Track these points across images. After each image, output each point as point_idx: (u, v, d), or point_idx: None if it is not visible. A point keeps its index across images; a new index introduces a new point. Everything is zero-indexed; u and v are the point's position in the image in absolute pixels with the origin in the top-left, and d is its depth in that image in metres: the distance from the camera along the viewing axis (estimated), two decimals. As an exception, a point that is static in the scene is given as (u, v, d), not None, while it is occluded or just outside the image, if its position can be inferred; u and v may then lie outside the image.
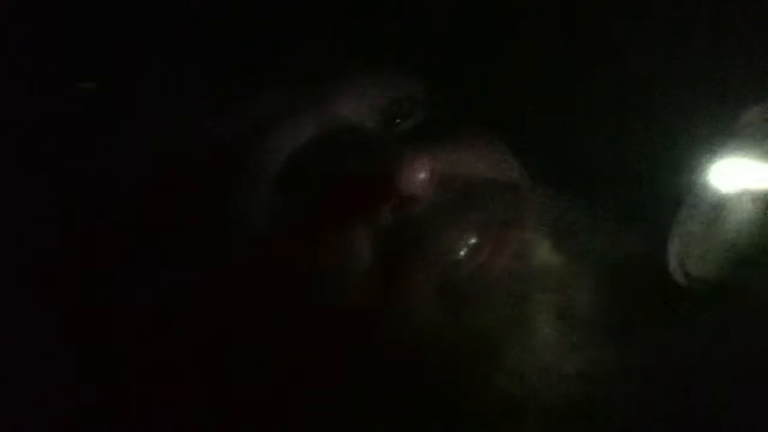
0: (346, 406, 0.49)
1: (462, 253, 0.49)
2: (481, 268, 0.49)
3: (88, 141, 0.57)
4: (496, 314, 0.48)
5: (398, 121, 0.54)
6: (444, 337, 0.49)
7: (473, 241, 0.49)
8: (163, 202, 0.54)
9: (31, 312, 0.56)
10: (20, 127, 0.59)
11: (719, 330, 0.45)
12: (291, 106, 0.53)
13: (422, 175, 0.49)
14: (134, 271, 0.54)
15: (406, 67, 0.56)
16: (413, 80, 0.56)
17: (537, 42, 0.60)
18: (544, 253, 0.51)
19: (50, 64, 0.60)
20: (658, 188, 0.49)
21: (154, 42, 0.58)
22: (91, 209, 0.56)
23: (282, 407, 0.51)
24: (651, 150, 0.53)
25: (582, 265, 0.50)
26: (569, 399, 0.48)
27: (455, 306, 0.49)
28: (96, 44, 0.59)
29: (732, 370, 0.45)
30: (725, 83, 0.46)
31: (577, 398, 0.48)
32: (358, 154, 0.51)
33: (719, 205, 0.45)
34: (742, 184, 0.44)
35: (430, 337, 0.49)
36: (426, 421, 0.48)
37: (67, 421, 0.55)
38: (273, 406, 0.51)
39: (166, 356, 0.53)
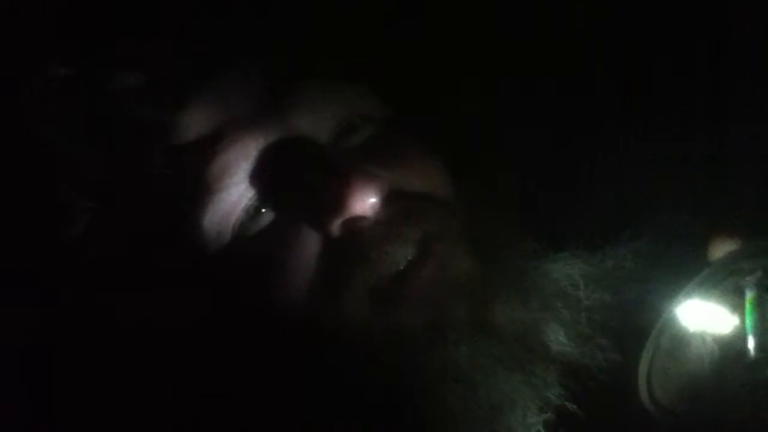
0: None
1: (398, 259, 0.55)
2: (411, 277, 0.55)
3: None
4: (419, 317, 0.54)
5: (349, 136, 0.59)
6: (372, 334, 0.54)
7: (412, 255, 0.55)
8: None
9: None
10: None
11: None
12: (250, 115, 0.57)
13: (372, 198, 0.55)
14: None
15: (359, 86, 0.61)
16: (365, 99, 0.61)
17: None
18: (465, 264, 0.56)
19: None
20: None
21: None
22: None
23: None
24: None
25: (500, 278, 0.56)
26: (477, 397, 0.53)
27: (385, 308, 0.55)
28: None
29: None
30: (698, 233, 0.52)
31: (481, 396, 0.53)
32: (312, 166, 0.56)
33: (683, 341, 0.50)
34: (703, 323, 0.49)
35: (361, 334, 0.54)
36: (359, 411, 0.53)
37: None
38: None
39: None
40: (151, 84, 0.57)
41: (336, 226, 0.55)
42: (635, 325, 0.52)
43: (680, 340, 0.50)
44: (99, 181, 0.58)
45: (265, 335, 0.55)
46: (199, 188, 0.57)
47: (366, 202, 0.55)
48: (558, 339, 0.55)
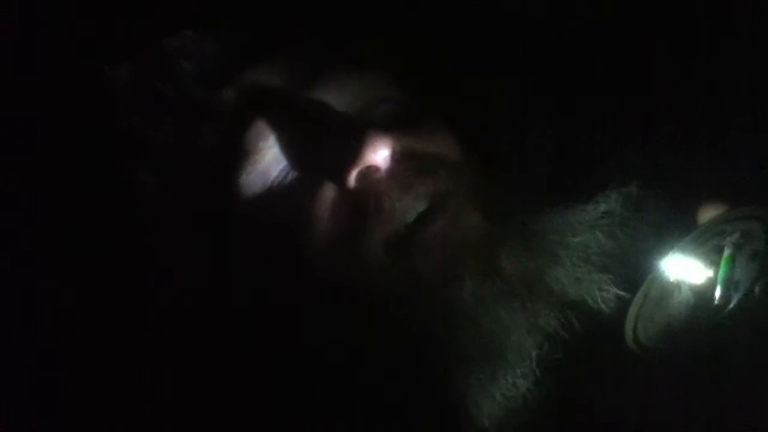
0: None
1: (411, 212, 0.62)
2: (423, 229, 0.62)
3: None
4: (430, 265, 0.61)
5: (368, 112, 0.67)
6: (387, 280, 0.61)
7: (423, 208, 0.63)
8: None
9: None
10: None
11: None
12: (282, 91, 0.66)
13: (385, 150, 0.63)
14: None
15: (379, 72, 0.70)
16: (385, 84, 0.70)
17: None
18: (474, 219, 0.63)
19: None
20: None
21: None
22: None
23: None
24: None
25: (505, 230, 0.62)
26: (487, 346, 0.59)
27: (398, 257, 0.62)
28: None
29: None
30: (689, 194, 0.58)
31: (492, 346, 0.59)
32: (333, 129, 0.65)
33: (669, 290, 0.57)
34: (684, 275, 0.56)
35: (377, 280, 0.61)
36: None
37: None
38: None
39: None
40: (204, 68, 0.67)
41: (352, 177, 0.63)
42: (626, 268, 0.59)
43: (666, 289, 0.57)
44: (161, 155, 0.68)
45: (293, 283, 0.63)
46: (238, 153, 0.66)
47: (379, 155, 0.62)
48: (558, 280, 0.62)
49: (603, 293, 0.61)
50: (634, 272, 0.58)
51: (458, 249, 0.62)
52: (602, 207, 0.64)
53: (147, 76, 0.69)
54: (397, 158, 0.64)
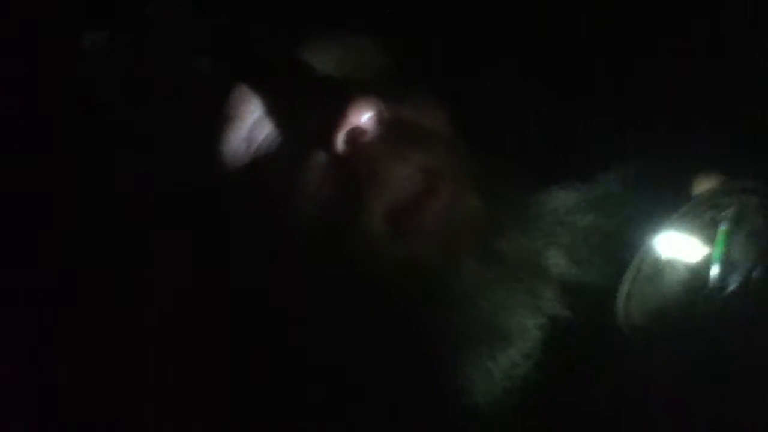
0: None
1: (407, 186, 0.60)
2: (419, 209, 0.60)
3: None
4: (428, 247, 0.59)
5: (355, 76, 0.65)
6: (391, 255, 0.60)
7: (416, 178, 0.60)
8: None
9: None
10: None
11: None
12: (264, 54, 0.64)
13: (370, 110, 0.60)
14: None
15: (366, 37, 0.67)
16: (371, 48, 0.67)
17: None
18: (471, 201, 0.61)
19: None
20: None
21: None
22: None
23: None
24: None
25: (503, 212, 0.61)
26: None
27: (399, 232, 0.60)
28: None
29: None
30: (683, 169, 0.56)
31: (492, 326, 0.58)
32: (318, 91, 0.62)
33: (662, 267, 0.55)
34: (677, 253, 0.53)
35: (377, 254, 0.60)
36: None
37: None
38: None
39: None
40: (182, 36, 0.64)
41: (340, 140, 0.61)
42: (624, 248, 0.57)
43: (659, 266, 0.54)
44: (142, 132, 0.65)
45: (284, 259, 0.61)
46: (220, 120, 0.63)
47: (365, 115, 0.60)
48: (557, 261, 0.60)
49: (603, 274, 0.58)
50: (628, 248, 0.55)
51: (457, 231, 0.60)
52: (601, 187, 0.61)
53: (124, 47, 0.66)
54: (384, 122, 0.61)
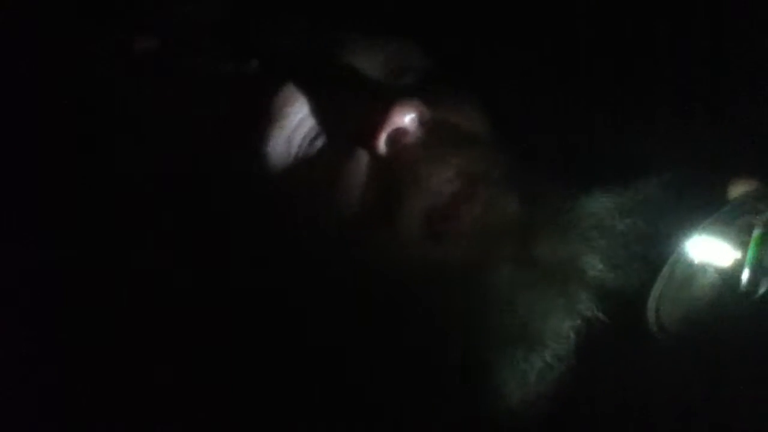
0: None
1: (446, 189, 0.61)
2: (457, 212, 0.61)
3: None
4: (466, 250, 0.60)
5: (395, 79, 0.66)
6: (428, 259, 0.60)
7: (455, 181, 0.61)
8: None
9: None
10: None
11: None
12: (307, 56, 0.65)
13: (412, 112, 0.62)
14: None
15: (405, 41, 0.68)
16: (410, 52, 0.68)
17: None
18: (509, 205, 0.62)
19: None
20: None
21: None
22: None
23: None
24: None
25: (541, 217, 0.61)
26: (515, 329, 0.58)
27: (437, 235, 0.61)
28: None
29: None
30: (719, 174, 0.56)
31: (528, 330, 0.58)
32: (360, 93, 0.63)
33: (694, 271, 0.54)
34: (709, 257, 0.53)
35: (413, 257, 0.60)
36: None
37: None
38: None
39: None
40: (228, 36, 0.67)
41: (381, 142, 0.62)
42: (658, 252, 0.57)
43: (692, 270, 0.54)
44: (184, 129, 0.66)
45: (321, 258, 0.62)
46: (264, 120, 0.63)
47: (407, 116, 0.61)
48: (594, 265, 0.60)
49: (637, 278, 0.58)
50: (666, 256, 0.55)
51: (494, 235, 0.61)
52: (638, 192, 0.61)
53: (167, 47, 0.68)
54: (426, 125, 0.63)
